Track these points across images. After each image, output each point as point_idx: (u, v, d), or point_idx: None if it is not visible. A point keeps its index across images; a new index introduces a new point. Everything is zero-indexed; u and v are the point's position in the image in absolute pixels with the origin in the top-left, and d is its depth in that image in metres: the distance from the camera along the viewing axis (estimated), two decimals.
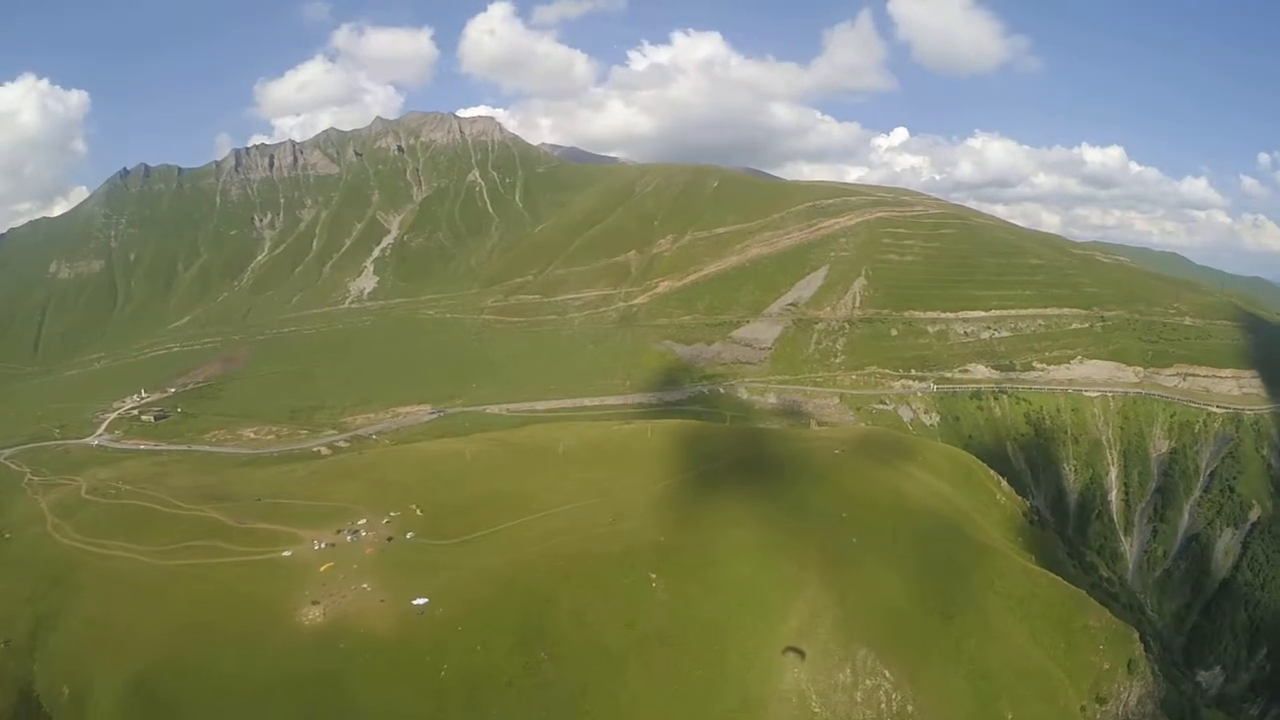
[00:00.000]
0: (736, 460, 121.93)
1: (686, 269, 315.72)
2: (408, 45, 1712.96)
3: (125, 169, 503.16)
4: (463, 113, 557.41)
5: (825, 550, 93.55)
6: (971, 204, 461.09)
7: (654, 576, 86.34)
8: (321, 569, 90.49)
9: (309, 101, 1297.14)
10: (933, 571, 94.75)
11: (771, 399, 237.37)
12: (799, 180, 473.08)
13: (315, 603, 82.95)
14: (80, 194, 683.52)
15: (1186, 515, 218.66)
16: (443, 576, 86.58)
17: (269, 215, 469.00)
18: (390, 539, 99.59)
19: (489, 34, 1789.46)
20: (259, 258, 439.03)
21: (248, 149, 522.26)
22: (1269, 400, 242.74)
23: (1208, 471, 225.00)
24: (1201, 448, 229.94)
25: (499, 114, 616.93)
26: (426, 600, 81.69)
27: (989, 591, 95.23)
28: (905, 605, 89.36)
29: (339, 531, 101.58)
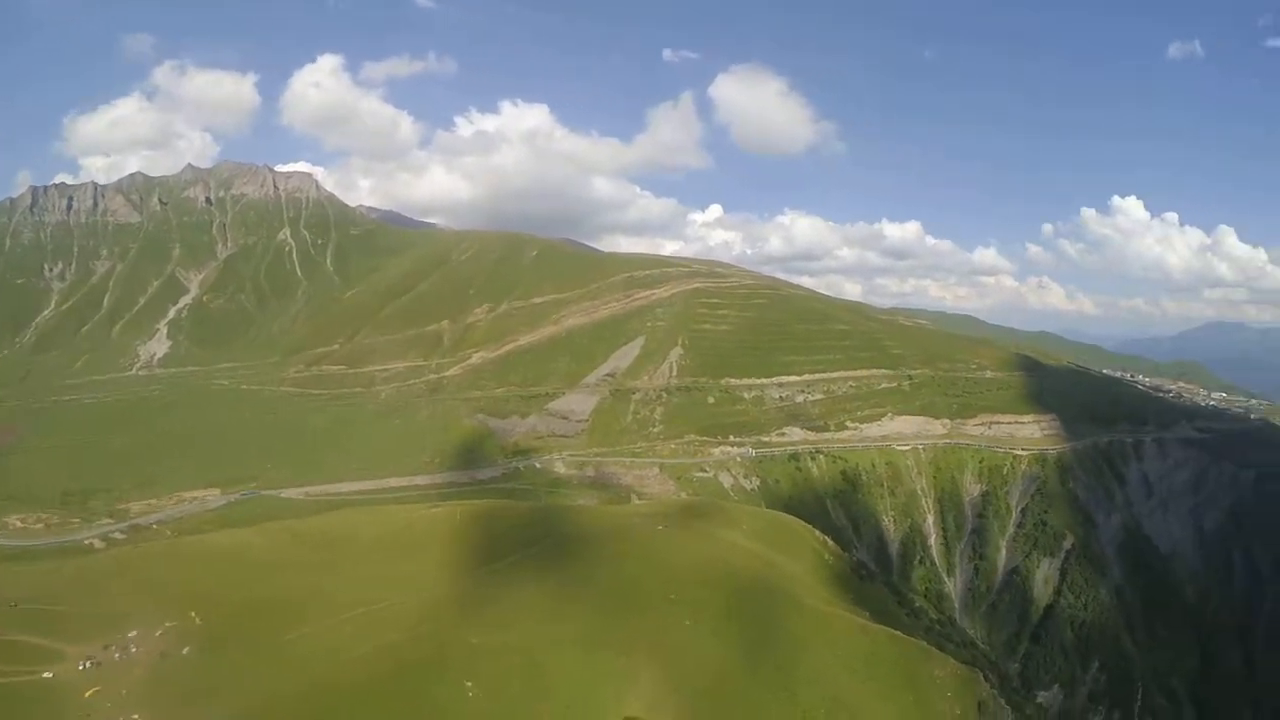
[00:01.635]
0: (554, 543, 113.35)
1: (501, 339, 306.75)
2: (230, 89, 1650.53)
3: None
4: (280, 167, 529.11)
5: (656, 636, 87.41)
6: (781, 275, 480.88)
7: (470, 684, 76.37)
8: (86, 695, 76.21)
9: (120, 141, 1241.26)
10: (772, 645, 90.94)
11: (589, 472, 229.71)
12: (617, 252, 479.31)
13: None
14: None
15: (1004, 551, 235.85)
16: (226, 704, 73.74)
17: (60, 264, 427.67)
18: (164, 655, 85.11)
19: (314, 86, 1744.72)
20: (45, 312, 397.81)
21: (46, 188, 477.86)
22: (1068, 439, 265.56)
23: (1019, 509, 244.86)
24: (1011, 488, 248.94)
25: (317, 171, 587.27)
26: None
27: (831, 657, 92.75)
28: (747, 686, 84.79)
29: (107, 647, 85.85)
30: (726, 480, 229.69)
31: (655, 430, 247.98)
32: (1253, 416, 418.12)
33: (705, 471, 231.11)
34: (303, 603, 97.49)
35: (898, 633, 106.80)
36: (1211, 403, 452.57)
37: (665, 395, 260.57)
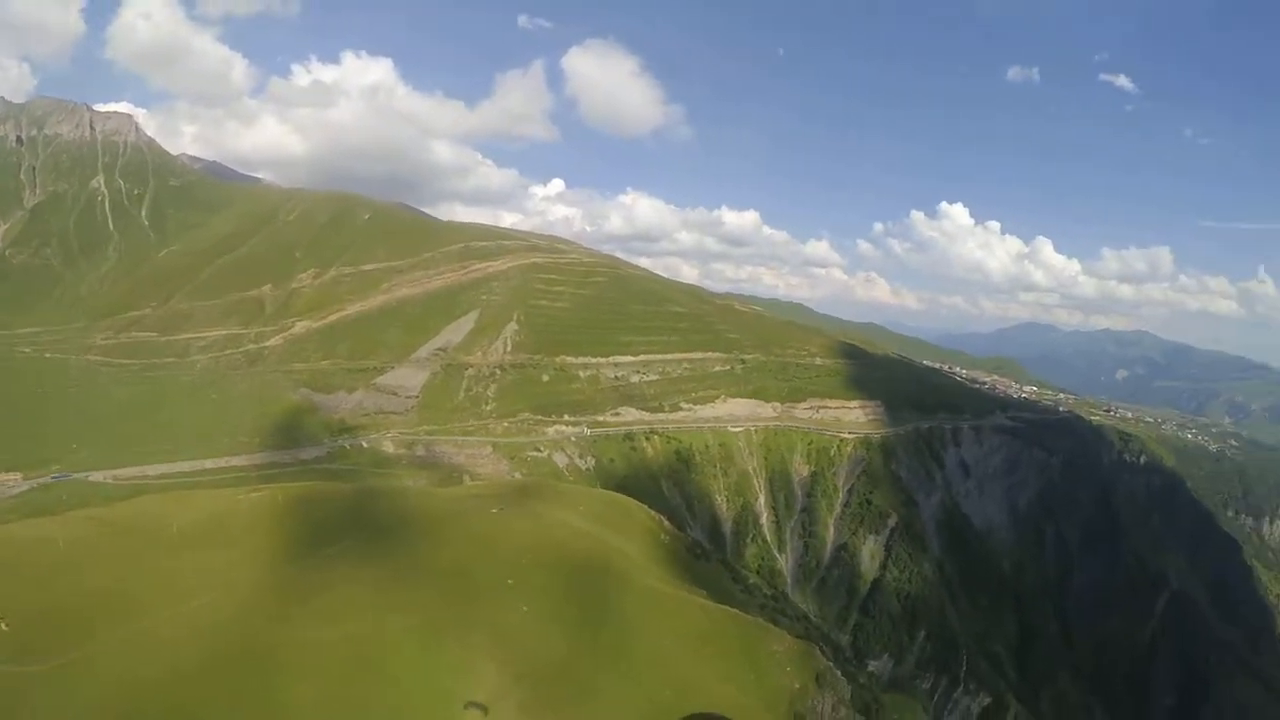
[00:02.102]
0: (383, 528, 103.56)
1: (328, 308, 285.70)
2: (54, 14, 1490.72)
3: None
4: (99, 107, 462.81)
5: (494, 624, 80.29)
6: (620, 255, 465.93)
7: (304, 684, 66.76)
8: None
9: None
10: (612, 628, 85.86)
11: (420, 452, 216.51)
12: (455, 221, 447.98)
13: None
14: None
15: (833, 529, 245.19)
16: None
17: None
18: None
19: (145, 18, 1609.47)
20: None
21: None
22: (891, 424, 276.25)
23: (846, 489, 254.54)
24: (839, 469, 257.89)
25: (139, 114, 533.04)
26: None
27: (671, 637, 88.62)
28: (590, 670, 78.73)
29: None
30: (561, 460, 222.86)
31: (488, 408, 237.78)
32: (1061, 409, 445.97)
33: (539, 451, 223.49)
34: (117, 602, 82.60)
35: (735, 610, 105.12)
36: (1024, 395, 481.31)
37: (499, 372, 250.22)
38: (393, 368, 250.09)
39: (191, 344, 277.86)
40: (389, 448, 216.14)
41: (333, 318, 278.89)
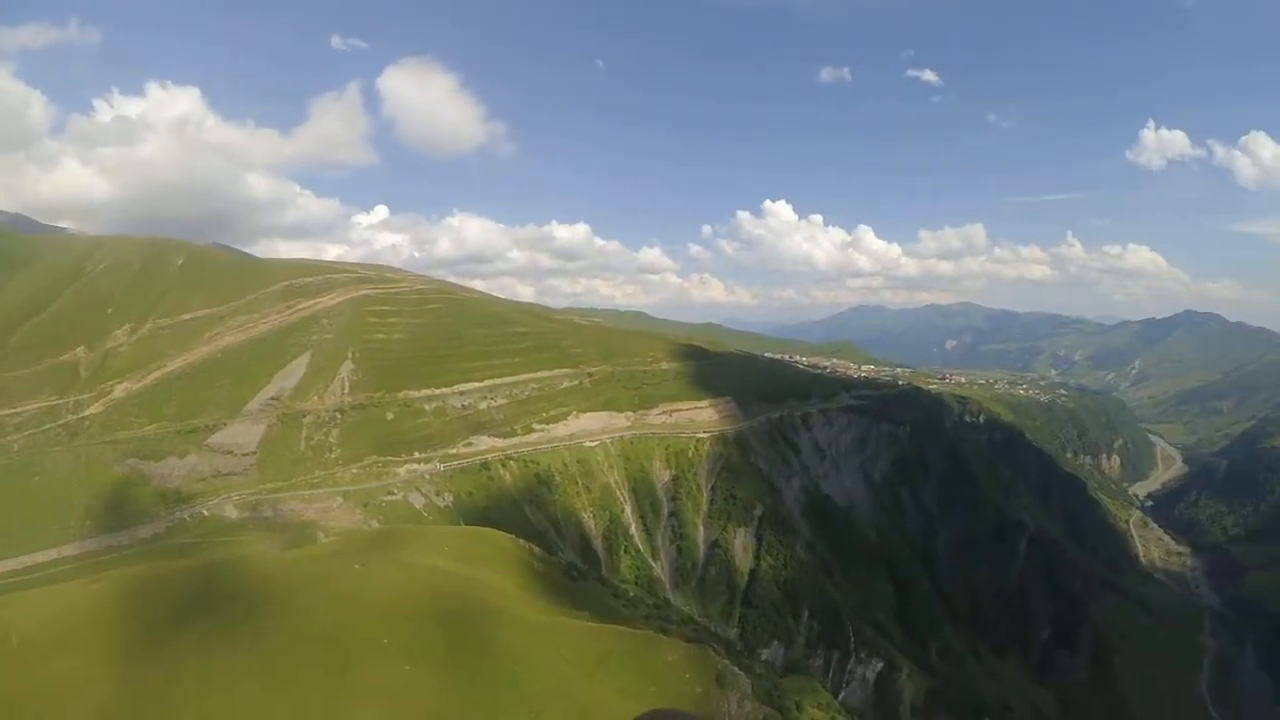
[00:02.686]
0: (243, 604, 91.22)
1: (148, 366, 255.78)
2: None
3: None
4: None
5: (377, 689, 74.82)
6: (452, 279, 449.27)
7: None
8: None
9: None
10: (503, 668, 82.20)
11: (266, 513, 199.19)
12: (275, 258, 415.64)
13: None
14: None
15: (702, 527, 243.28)
16: None
17: None
18: None
19: None
20: None
21: None
22: (743, 418, 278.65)
23: (709, 487, 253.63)
24: (699, 469, 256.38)
25: None
26: None
27: (565, 666, 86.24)
28: (488, 715, 75.61)
29: None
30: (418, 500, 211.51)
31: (333, 455, 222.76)
32: (900, 383, 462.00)
33: (394, 494, 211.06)
34: None
35: (623, 627, 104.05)
36: (863, 374, 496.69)
37: (339, 415, 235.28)
38: (225, 424, 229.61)
39: (5, 422, 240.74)
40: (232, 513, 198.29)
41: (154, 376, 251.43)
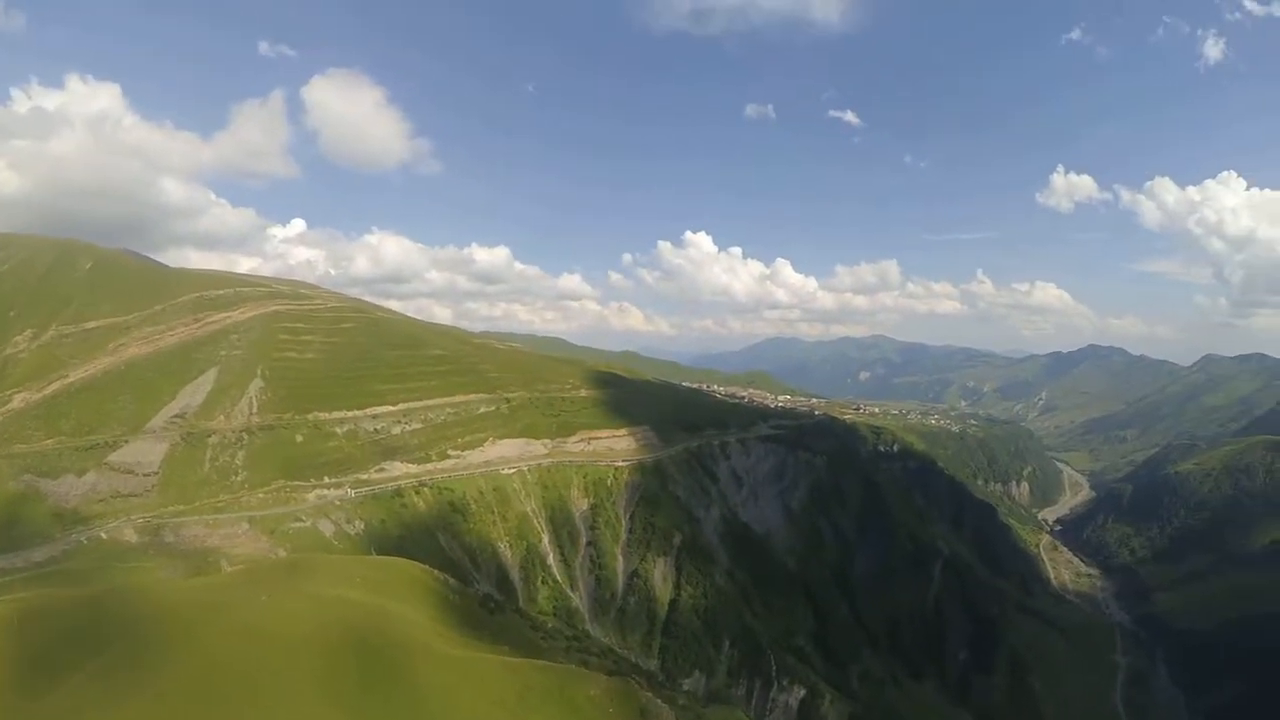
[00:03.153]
0: (140, 638, 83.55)
1: (48, 376, 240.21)
2: None
3: None
4: None
5: None
6: (368, 298, 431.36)
7: None
8: None
9: None
10: (420, 706, 77.83)
11: (167, 537, 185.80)
12: (187, 268, 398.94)
13: None
14: None
15: (621, 557, 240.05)
16: None
17: None
18: None
19: None
20: None
21: None
22: (662, 447, 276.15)
23: (628, 516, 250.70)
24: (617, 497, 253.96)
25: None
26: None
27: (485, 704, 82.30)
28: None
29: None
30: (327, 528, 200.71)
31: (239, 479, 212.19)
32: (816, 413, 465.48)
33: (302, 521, 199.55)
34: None
35: (544, 662, 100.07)
36: (780, 404, 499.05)
37: (246, 436, 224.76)
38: (126, 441, 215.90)
39: None
40: (131, 536, 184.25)
41: (54, 387, 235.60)
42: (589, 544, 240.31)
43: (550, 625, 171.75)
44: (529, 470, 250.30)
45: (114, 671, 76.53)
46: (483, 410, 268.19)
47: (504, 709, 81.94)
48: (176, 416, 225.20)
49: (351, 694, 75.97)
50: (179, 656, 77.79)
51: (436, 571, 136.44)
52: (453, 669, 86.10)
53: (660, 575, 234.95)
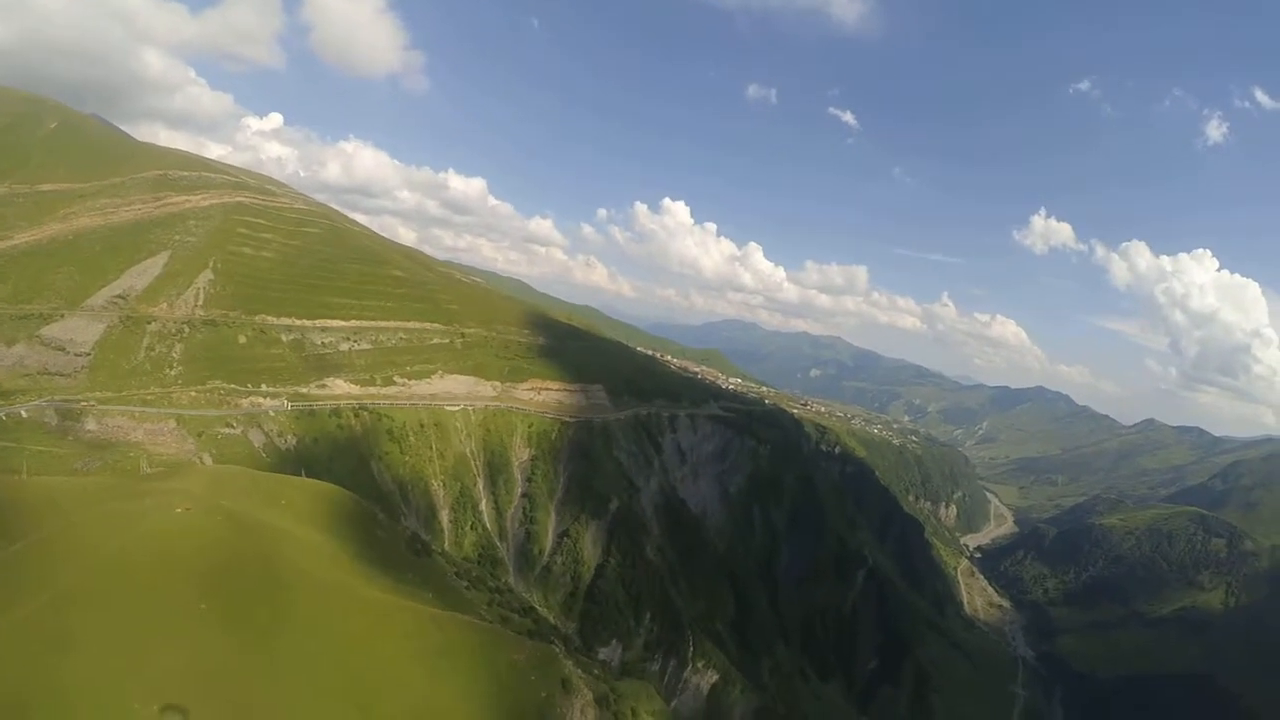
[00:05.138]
0: (38, 540, 74.50)
1: None
2: None
3: None
4: None
5: (188, 667, 61.90)
6: (334, 207, 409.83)
7: None
8: None
9: None
10: (339, 653, 72.89)
11: (90, 425, 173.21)
12: (153, 144, 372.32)
13: None
14: None
15: (554, 515, 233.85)
16: None
17: None
18: None
19: None
20: None
21: None
22: (612, 409, 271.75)
23: (568, 474, 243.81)
24: (559, 453, 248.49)
25: None
26: None
27: (404, 657, 77.32)
28: (317, 707, 66.11)
29: None
30: (258, 439, 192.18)
31: (173, 373, 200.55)
32: (766, 402, 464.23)
33: (232, 427, 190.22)
34: None
35: (470, 619, 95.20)
36: (731, 386, 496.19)
37: (188, 329, 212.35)
38: (62, 316, 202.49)
39: None
40: (52, 419, 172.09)
41: None
42: (524, 495, 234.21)
43: (474, 573, 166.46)
44: (474, 410, 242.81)
45: (12, 566, 69.04)
46: (435, 341, 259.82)
47: (421, 665, 77.34)
48: (118, 297, 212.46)
49: (259, 632, 69.47)
50: (67, 568, 69.32)
51: (366, 503, 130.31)
52: (372, 614, 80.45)
53: (591, 539, 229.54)
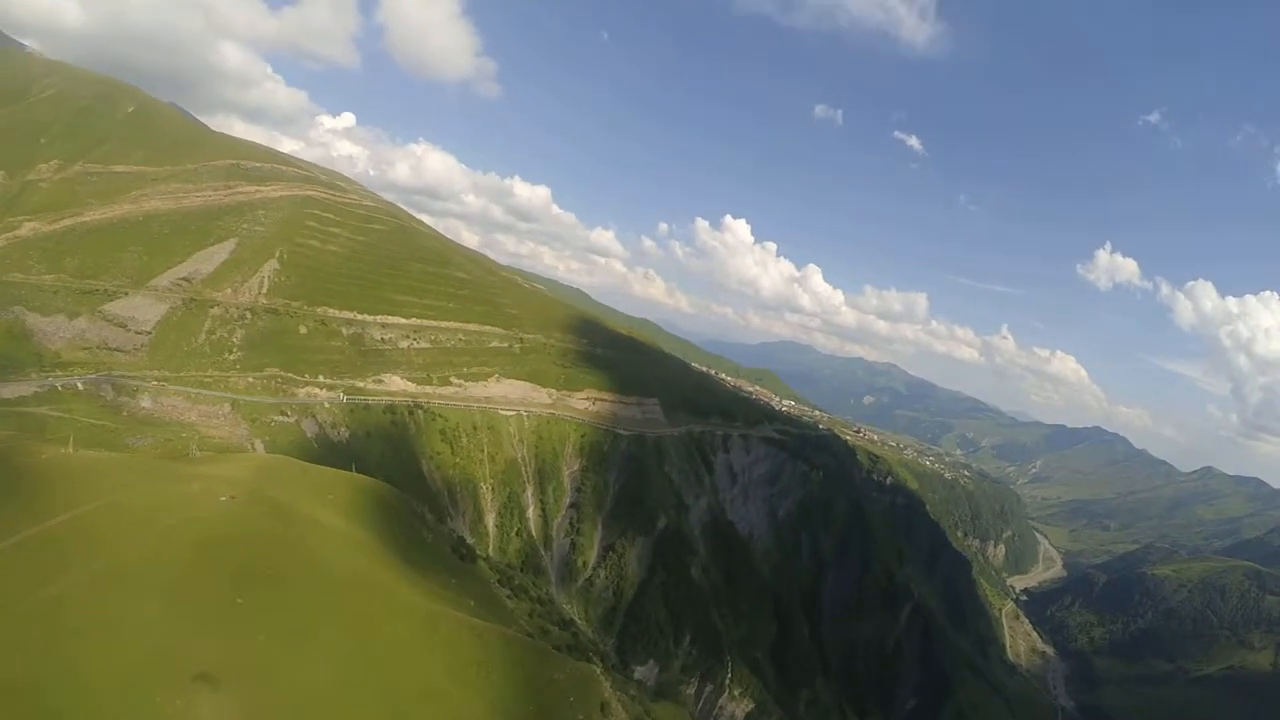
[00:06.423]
0: (82, 519, 72.45)
1: (64, 210, 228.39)
2: None
3: None
4: None
5: (228, 657, 59.91)
6: (401, 207, 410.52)
7: None
8: None
9: None
10: (373, 659, 70.05)
11: (145, 403, 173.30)
12: (227, 134, 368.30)
13: None
14: None
15: (601, 527, 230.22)
16: None
17: None
18: None
19: None
20: None
21: None
22: (666, 424, 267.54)
23: (618, 487, 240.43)
24: (611, 465, 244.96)
25: None
26: None
27: (441, 667, 75.03)
28: (349, 710, 63.93)
29: None
30: (310, 428, 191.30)
31: (232, 357, 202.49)
32: (820, 426, 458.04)
33: (287, 416, 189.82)
34: None
35: (511, 632, 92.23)
36: (784, 408, 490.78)
37: (250, 315, 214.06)
38: (126, 294, 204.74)
39: None
40: (109, 393, 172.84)
41: (67, 222, 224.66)
42: (572, 505, 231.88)
43: (517, 582, 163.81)
44: (527, 416, 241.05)
45: (52, 547, 67.30)
46: (494, 344, 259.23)
47: (459, 679, 74.72)
48: (183, 279, 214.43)
49: (295, 629, 67.14)
50: (104, 549, 67.46)
51: (414, 503, 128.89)
52: (413, 620, 78.02)
53: (636, 555, 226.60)
